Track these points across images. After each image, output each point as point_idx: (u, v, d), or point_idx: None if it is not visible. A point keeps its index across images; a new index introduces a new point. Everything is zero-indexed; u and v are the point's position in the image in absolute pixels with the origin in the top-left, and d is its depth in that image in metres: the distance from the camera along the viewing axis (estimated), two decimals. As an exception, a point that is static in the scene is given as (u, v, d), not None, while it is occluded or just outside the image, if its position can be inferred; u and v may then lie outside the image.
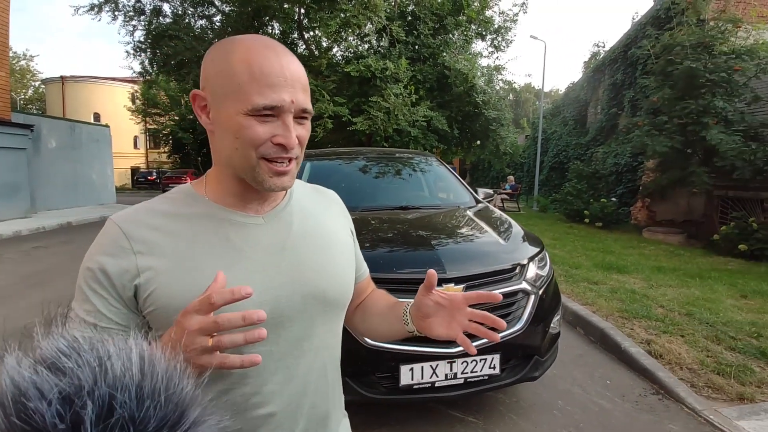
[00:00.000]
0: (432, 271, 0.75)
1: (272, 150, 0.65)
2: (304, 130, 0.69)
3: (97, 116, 32.08)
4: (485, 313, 0.74)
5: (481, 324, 0.75)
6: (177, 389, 0.34)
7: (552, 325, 2.44)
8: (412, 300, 0.81)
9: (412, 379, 2.11)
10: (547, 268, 2.57)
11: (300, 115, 0.67)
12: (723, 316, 3.83)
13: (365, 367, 2.13)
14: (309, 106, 0.68)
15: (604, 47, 23.28)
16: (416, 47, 10.73)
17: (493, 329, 0.74)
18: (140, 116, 30.72)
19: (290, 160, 0.67)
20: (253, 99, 0.62)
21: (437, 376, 2.12)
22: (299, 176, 3.38)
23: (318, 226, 0.79)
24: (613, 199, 10.87)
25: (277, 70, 0.63)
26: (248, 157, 0.65)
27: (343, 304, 0.80)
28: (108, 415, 0.30)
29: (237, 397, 0.68)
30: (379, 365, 2.14)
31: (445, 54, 10.49)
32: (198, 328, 0.53)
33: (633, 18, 14.21)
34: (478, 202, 3.52)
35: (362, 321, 0.93)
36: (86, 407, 0.29)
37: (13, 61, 35.12)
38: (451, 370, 2.13)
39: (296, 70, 0.66)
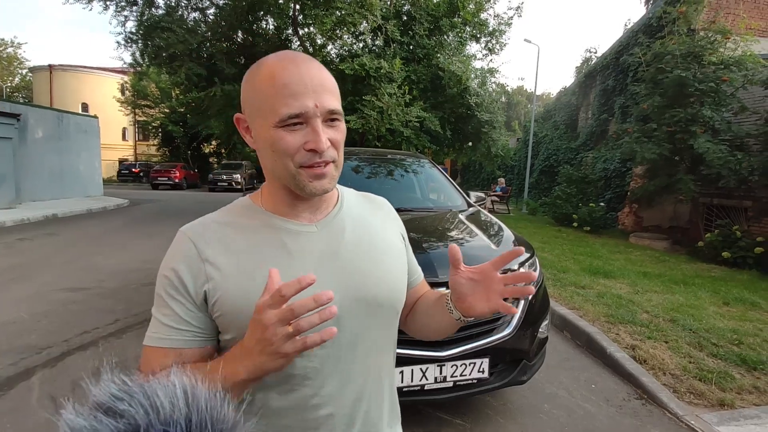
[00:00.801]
0: (454, 246, 0.76)
1: (306, 157, 0.68)
2: (336, 132, 0.71)
3: (85, 106, 31.57)
4: (516, 273, 0.76)
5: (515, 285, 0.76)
6: (221, 416, 0.36)
7: (540, 330, 2.48)
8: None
9: (402, 382, 2.12)
10: (537, 273, 2.61)
11: (329, 118, 0.69)
12: (706, 322, 3.91)
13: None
14: (336, 106, 0.70)
15: (596, 53, 23.56)
16: (411, 47, 10.73)
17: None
18: (129, 108, 30.27)
19: (326, 163, 0.70)
20: (279, 110, 0.66)
21: (427, 379, 2.14)
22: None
23: (370, 233, 0.81)
24: (602, 204, 11.00)
25: (296, 79, 0.66)
26: (287, 167, 0.69)
27: (396, 309, 0.82)
28: None
29: (298, 399, 0.71)
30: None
31: (439, 55, 10.48)
32: (277, 320, 0.56)
33: (625, 25, 14.44)
34: (470, 205, 3.54)
35: (413, 321, 0.94)
36: None
37: (0, 48, 34.41)
38: (440, 373, 2.15)
39: (317, 75, 0.68)
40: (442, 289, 0.87)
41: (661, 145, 7.98)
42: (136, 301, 4.48)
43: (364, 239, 0.79)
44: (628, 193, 10.47)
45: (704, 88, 7.66)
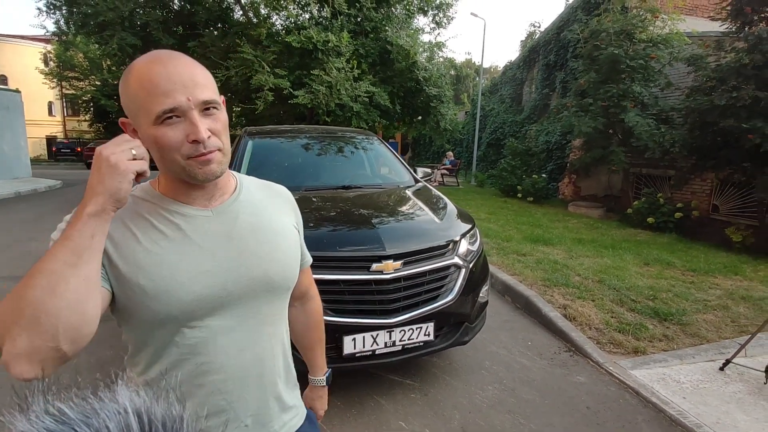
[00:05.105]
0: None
1: (192, 149, 0.73)
2: (214, 122, 0.75)
3: (3, 79, 28.69)
4: None
5: None
6: None
7: (481, 295, 2.70)
8: (320, 378, 1.20)
9: (355, 348, 2.28)
10: (477, 243, 2.82)
11: (204, 108, 0.74)
12: (627, 282, 4.36)
13: (310, 339, 2.26)
14: (210, 97, 0.74)
15: (539, 27, 24.20)
16: (358, 20, 10.58)
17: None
18: (55, 80, 27.79)
19: (211, 152, 0.74)
20: (153, 109, 0.70)
21: (377, 345, 2.31)
22: (241, 156, 3.37)
23: (265, 218, 0.89)
24: (544, 175, 11.59)
25: (164, 77, 0.70)
26: (176, 161, 0.74)
27: (287, 287, 0.92)
28: None
29: (191, 366, 0.79)
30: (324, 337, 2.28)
31: (387, 29, 10.43)
32: (116, 147, 0.66)
33: (567, 1, 14.86)
34: (417, 181, 3.70)
35: (297, 322, 1.12)
36: None
37: None
38: (390, 338, 2.33)
39: (185, 70, 0.73)
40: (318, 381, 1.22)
41: (596, 119, 8.49)
42: (81, 286, 4.33)
43: (258, 224, 0.87)
44: (568, 165, 11.10)
45: (635, 65, 8.19)
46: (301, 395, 1.05)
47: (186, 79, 0.72)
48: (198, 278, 0.77)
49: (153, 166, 0.76)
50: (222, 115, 0.77)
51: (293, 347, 1.09)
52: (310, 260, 1.08)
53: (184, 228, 0.79)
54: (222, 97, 0.81)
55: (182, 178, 0.77)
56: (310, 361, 1.18)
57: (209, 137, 0.74)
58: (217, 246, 0.80)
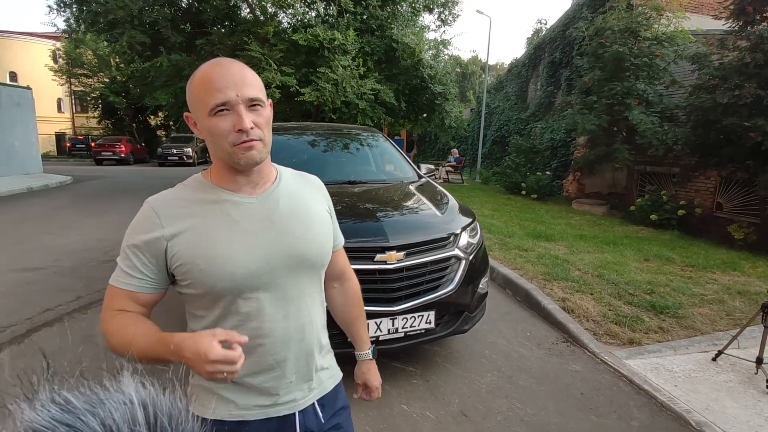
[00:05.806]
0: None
1: (237, 137, 0.87)
2: (258, 116, 0.89)
3: (13, 75, 29.05)
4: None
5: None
6: (186, 430, 0.32)
7: (480, 285, 2.82)
8: (365, 352, 1.27)
9: (359, 335, 2.40)
10: (477, 236, 2.93)
11: (250, 104, 0.88)
12: (626, 276, 4.46)
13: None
14: (256, 95, 0.88)
15: (546, 24, 24.14)
16: (364, 18, 10.68)
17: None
18: (64, 77, 28.08)
19: (253, 140, 0.87)
20: (209, 102, 0.85)
21: (381, 331, 2.43)
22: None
23: (302, 204, 1.03)
24: (548, 172, 11.64)
25: (220, 77, 0.86)
26: (223, 147, 0.88)
27: (322, 264, 1.05)
28: None
29: (247, 331, 0.92)
30: (330, 323, 2.39)
31: (393, 27, 10.52)
32: (225, 372, 0.76)
33: (572, -2, 14.86)
34: (420, 177, 3.81)
35: (336, 303, 1.24)
36: None
37: None
38: (393, 325, 2.45)
39: (237, 72, 0.88)
40: (367, 352, 1.29)
41: (600, 117, 8.55)
42: (98, 277, 4.49)
43: (296, 209, 1.00)
44: (572, 162, 11.14)
45: (639, 63, 8.23)
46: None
47: (237, 79, 0.86)
48: (247, 257, 0.91)
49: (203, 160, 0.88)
50: (265, 112, 0.91)
51: (336, 326, 1.27)
52: (343, 241, 1.20)
53: (234, 215, 0.92)
54: (269, 100, 0.95)
55: (228, 163, 0.91)
56: (354, 336, 1.27)
57: (252, 128, 0.87)
58: (261, 229, 0.94)
